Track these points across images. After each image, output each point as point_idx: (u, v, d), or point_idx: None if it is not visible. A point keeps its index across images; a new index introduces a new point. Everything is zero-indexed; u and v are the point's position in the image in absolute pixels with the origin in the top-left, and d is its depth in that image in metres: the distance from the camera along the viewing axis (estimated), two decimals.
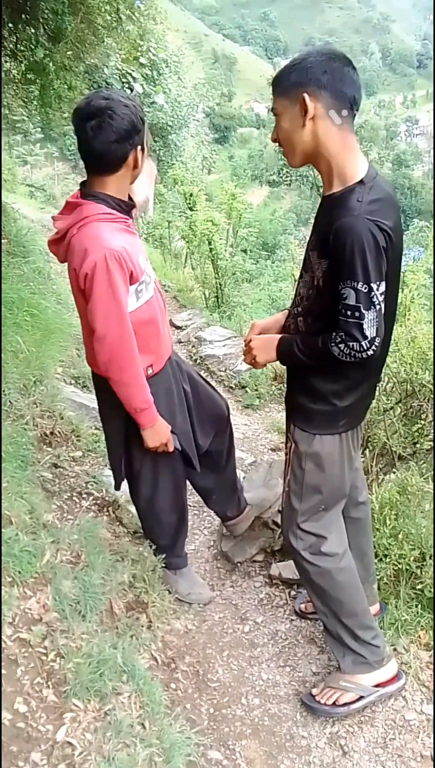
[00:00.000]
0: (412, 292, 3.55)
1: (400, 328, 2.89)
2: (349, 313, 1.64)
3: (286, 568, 2.67)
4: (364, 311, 1.62)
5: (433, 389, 2.67)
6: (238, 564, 2.82)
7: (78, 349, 4.30)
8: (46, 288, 5.10)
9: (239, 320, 6.38)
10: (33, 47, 5.80)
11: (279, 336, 1.94)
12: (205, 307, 7.10)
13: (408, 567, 2.40)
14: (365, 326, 1.63)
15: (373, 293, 1.60)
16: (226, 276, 7.21)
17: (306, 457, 1.93)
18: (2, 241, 5.09)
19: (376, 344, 1.66)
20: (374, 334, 1.64)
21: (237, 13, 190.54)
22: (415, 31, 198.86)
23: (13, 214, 6.74)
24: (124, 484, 2.45)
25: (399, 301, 2.86)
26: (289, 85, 1.67)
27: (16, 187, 15.34)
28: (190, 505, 2.80)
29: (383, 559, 2.42)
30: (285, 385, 2.07)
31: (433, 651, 2.28)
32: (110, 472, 2.47)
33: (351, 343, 1.66)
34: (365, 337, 1.64)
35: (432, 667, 2.25)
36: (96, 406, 2.51)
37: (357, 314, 1.63)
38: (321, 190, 1.83)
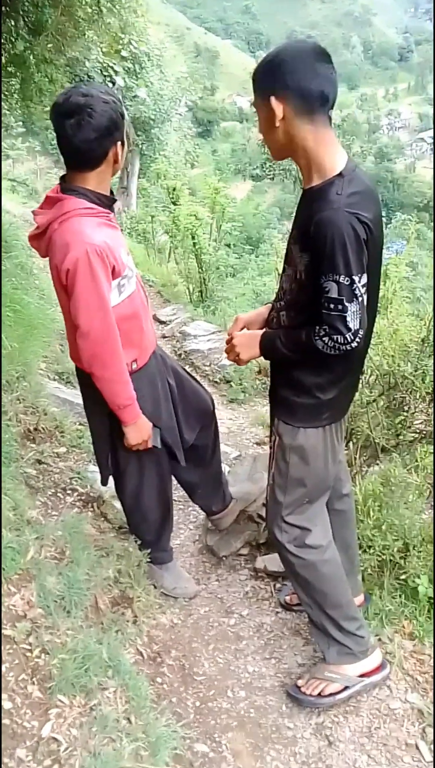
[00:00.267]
0: (394, 285, 3.57)
1: (382, 321, 2.91)
2: (332, 306, 1.64)
3: (271, 561, 2.68)
4: (346, 304, 1.62)
5: (433, 384, 2.68)
6: (224, 558, 2.83)
7: (62, 345, 4.28)
8: (29, 283, 5.07)
9: (223, 315, 6.38)
10: (13, 40, 5.73)
11: (261, 332, 1.94)
12: (189, 301, 7.09)
13: (392, 558, 2.42)
14: (348, 319, 1.63)
15: (355, 285, 1.61)
16: (210, 270, 7.20)
17: (290, 450, 1.93)
18: None
19: (360, 336, 1.67)
20: (358, 326, 1.65)
21: (219, 6, 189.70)
22: (397, 25, 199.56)
23: None
24: (111, 480, 2.44)
25: (381, 294, 2.87)
26: (258, 86, 1.69)
27: None
28: (175, 500, 2.80)
29: (367, 551, 2.43)
30: (269, 379, 2.07)
31: (433, 652, 2.29)
32: (95, 468, 2.47)
33: (335, 336, 1.66)
34: (349, 330, 1.65)
35: (416, 656, 2.27)
36: (80, 402, 2.50)
37: (340, 307, 1.63)
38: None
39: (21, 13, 5.46)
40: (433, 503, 2.72)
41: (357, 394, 2.38)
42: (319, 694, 2.09)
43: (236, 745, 2.02)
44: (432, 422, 2.81)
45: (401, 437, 2.88)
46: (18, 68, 6.15)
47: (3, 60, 6.09)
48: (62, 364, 4.12)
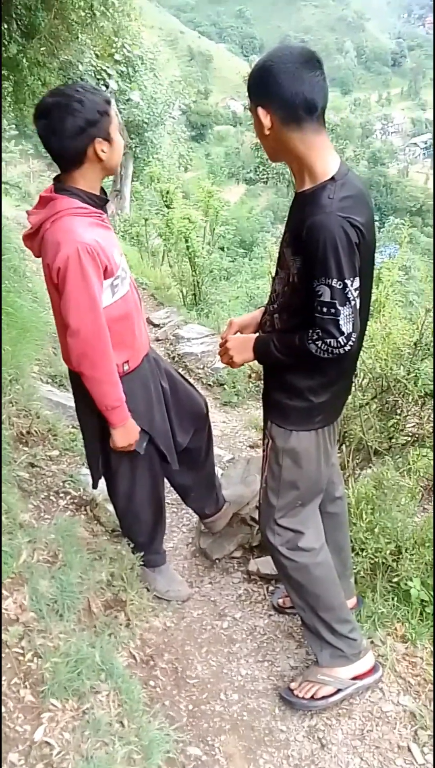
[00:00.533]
0: (387, 289, 3.59)
1: (375, 324, 2.92)
2: (324, 309, 1.65)
3: (264, 564, 2.68)
4: (339, 307, 1.63)
5: (433, 386, 2.69)
6: (217, 561, 2.83)
7: (54, 348, 4.27)
8: (22, 286, 5.06)
9: (217, 318, 6.38)
10: (6, 43, 5.74)
11: (255, 335, 1.94)
12: (182, 304, 7.09)
13: (384, 560, 2.42)
14: (341, 322, 1.64)
15: (347, 289, 1.62)
16: (204, 273, 7.20)
17: (283, 453, 1.94)
18: None
19: (353, 340, 1.67)
20: (350, 330, 1.66)
21: (212, 11, 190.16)
22: (390, 30, 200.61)
23: None
24: (102, 483, 2.44)
25: (374, 297, 2.89)
26: (249, 95, 1.71)
27: None
28: (168, 503, 2.80)
29: (360, 553, 2.44)
30: (262, 382, 2.08)
31: (433, 654, 2.29)
32: (87, 471, 2.46)
33: (328, 340, 1.67)
34: (342, 333, 1.65)
35: (408, 659, 2.28)
36: (73, 405, 2.49)
37: (333, 311, 1.64)
38: None
39: (14, 16, 5.47)
40: (433, 504, 2.73)
41: (350, 397, 2.38)
42: (312, 697, 2.10)
43: (229, 748, 2.01)
44: (427, 425, 2.82)
45: (394, 440, 2.89)
46: (11, 71, 6.16)
47: None
48: (55, 367, 4.11)
